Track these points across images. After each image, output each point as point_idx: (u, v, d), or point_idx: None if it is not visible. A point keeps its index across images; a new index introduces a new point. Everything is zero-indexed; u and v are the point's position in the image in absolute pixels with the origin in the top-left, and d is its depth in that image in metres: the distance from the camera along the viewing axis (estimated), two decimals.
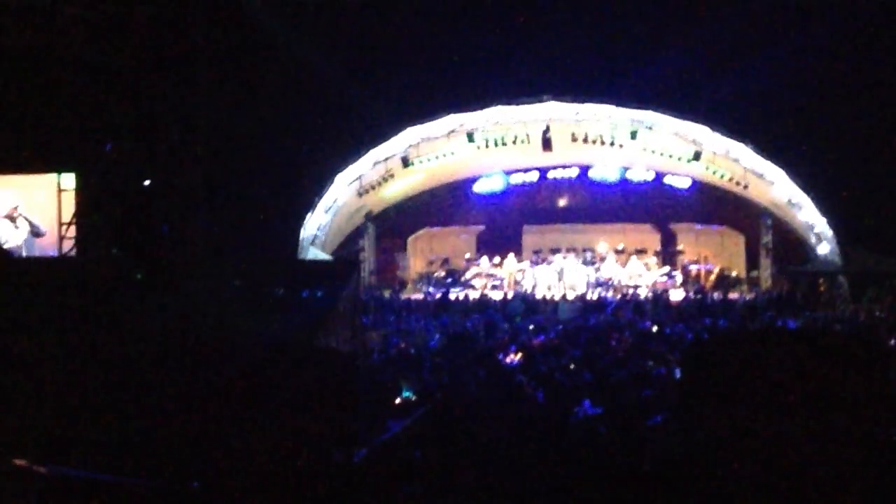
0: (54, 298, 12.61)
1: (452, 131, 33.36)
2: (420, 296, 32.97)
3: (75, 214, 17.98)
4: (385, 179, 34.23)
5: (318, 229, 32.52)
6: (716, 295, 32.23)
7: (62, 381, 9.34)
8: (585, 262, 34.64)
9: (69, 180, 18.42)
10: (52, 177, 18.92)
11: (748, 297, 32.49)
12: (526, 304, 30.06)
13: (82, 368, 10.08)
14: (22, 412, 7.86)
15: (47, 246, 19.35)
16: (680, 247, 36.07)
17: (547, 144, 33.27)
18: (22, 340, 10.87)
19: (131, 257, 15.82)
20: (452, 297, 31.97)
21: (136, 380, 9.47)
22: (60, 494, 5.73)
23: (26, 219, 20.21)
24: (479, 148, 33.78)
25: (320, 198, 31.84)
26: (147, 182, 16.56)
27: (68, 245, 18.16)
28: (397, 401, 13.17)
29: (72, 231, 18.06)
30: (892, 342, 19.88)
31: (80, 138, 17.06)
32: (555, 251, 35.23)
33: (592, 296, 31.74)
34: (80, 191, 17.99)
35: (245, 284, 15.64)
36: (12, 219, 20.80)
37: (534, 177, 36.15)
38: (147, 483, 6.65)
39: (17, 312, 11.94)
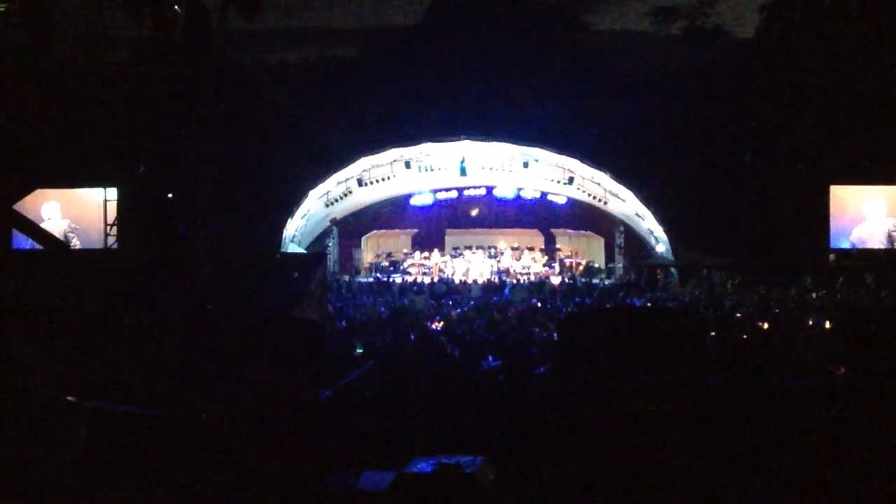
0: (102, 278, 12.46)
1: (395, 160, 33.50)
2: (370, 279, 32.88)
3: (116, 218, 17.75)
4: (345, 195, 34.27)
5: (296, 230, 32.38)
6: (583, 280, 32.43)
7: (106, 340, 9.21)
8: (490, 256, 34.78)
9: (112, 193, 18.24)
10: (100, 191, 18.75)
11: (607, 282, 32.70)
12: (447, 286, 30.19)
13: (122, 330, 9.94)
14: (75, 362, 7.74)
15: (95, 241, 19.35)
16: (558, 246, 36.17)
17: (463, 171, 33.79)
18: (78, 308, 10.71)
19: (157, 251, 15.63)
20: (394, 280, 31.95)
21: (160, 339, 9.35)
22: (103, 423, 5.66)
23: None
24: (414, 173, 34.02)
25: (298, 207, 31.70)
26: (170, 195, 16.34)
27: (111, 241, 17.97)
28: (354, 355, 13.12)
29: (114, 231, 17.87)
30: (708, 315, 20.13)
31: (121, 162, 16.85)
32: (468, 248, 35.33)
33: (495, 280, 31.82)
34: (120, 201, 17.79)
35: (242, 270, 15.53)
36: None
37: (454, 194, 36.25)
38: (168, 414, 6.62)
39: (75, 288, 11.76)
